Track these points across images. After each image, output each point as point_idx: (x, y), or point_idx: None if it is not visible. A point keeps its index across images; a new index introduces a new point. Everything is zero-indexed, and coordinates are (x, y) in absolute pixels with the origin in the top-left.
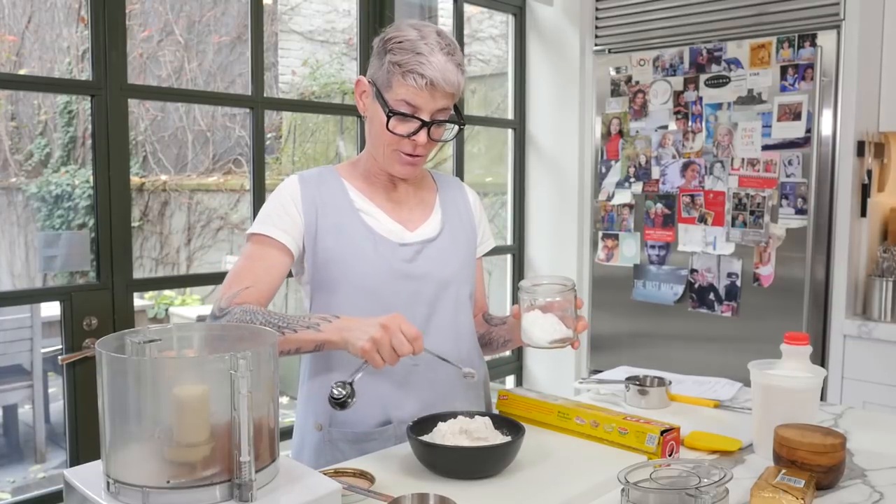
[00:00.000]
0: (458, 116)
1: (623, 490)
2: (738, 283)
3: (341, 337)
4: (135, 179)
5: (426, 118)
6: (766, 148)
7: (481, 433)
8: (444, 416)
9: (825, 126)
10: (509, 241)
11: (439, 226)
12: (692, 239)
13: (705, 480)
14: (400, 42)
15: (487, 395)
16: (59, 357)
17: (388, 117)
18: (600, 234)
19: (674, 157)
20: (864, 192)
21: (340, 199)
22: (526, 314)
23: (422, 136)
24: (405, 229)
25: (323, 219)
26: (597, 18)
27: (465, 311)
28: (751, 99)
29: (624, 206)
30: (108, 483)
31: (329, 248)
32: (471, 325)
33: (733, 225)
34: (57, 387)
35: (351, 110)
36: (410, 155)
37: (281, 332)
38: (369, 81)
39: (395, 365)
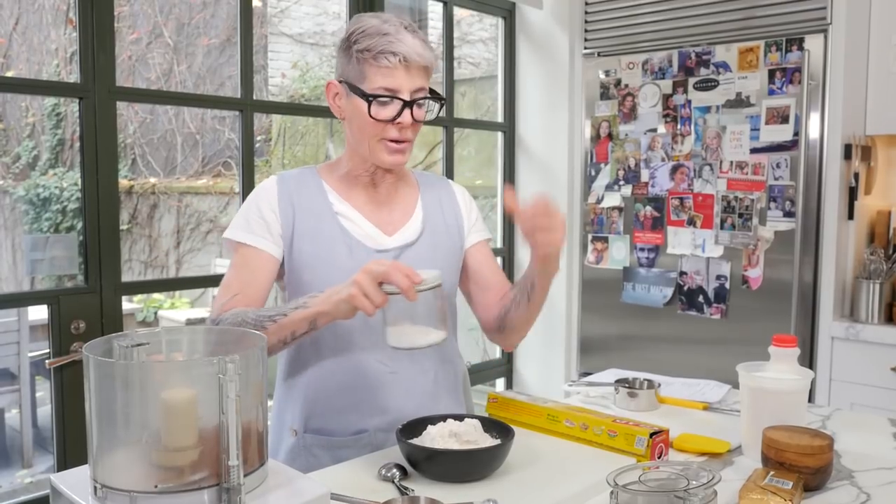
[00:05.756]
0: (437, 96)
1: (612, 493)
2: (727, 285)
3: (330, 302)
4: (123, 182)
5: (406, 98)
6: (754, 151)
7: (471, 436)
8: (434, 419)
9: (813, 129)
10: (499, 244)
11: (419, 229)
12: (681, 241)
13: (694, 482)
14: (363, 31)
15: (469, 400)
16: (47, 361)
17: (369, 103)
18: (590, 236)
19: (663, 159)
20: (851, 194)
21: (319, 202)
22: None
23: (406, 117)
24: (383, 233)
25: (300, 222)
26: (586, 22)
27: None
28: (739, 102)
29: (613, 208)
30: (95, 488)
31: (304, 251)
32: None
33: (722, 227)
34: (44, 391)
35: None
36: (397, 141)
37: (273, 321)
38: (340, 81)
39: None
